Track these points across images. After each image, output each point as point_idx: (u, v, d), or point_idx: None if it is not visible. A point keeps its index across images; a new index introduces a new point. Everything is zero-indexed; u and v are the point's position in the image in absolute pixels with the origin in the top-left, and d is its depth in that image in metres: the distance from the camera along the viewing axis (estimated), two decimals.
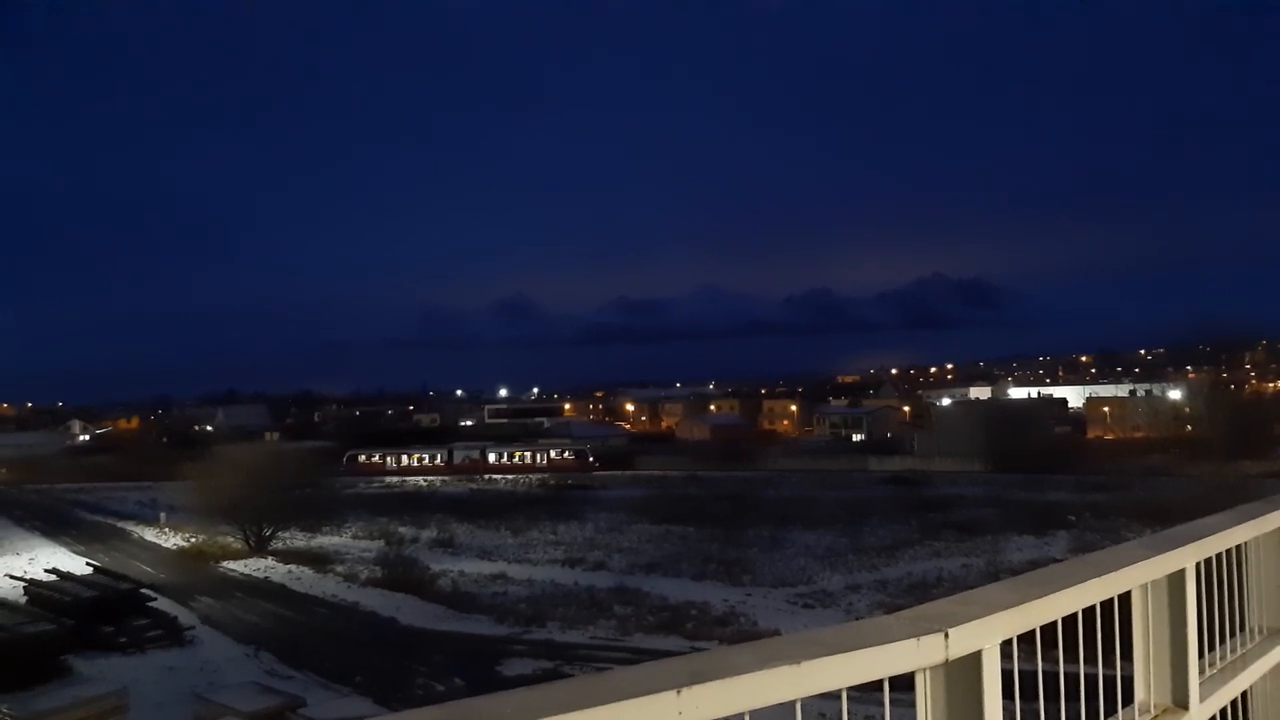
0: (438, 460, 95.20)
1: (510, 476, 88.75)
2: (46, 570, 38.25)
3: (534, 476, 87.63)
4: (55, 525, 58.33)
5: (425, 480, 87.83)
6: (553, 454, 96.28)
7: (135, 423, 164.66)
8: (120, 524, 59.23)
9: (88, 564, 40.33)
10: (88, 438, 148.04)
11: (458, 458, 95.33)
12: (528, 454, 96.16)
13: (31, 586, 34.46)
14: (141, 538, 53.78)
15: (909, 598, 32.23)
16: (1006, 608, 2.09)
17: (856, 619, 29.31)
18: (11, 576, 38.05)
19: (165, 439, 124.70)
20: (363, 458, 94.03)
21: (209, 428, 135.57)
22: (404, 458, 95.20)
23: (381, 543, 48.18)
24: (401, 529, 52.86)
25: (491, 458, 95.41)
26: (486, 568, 41.88)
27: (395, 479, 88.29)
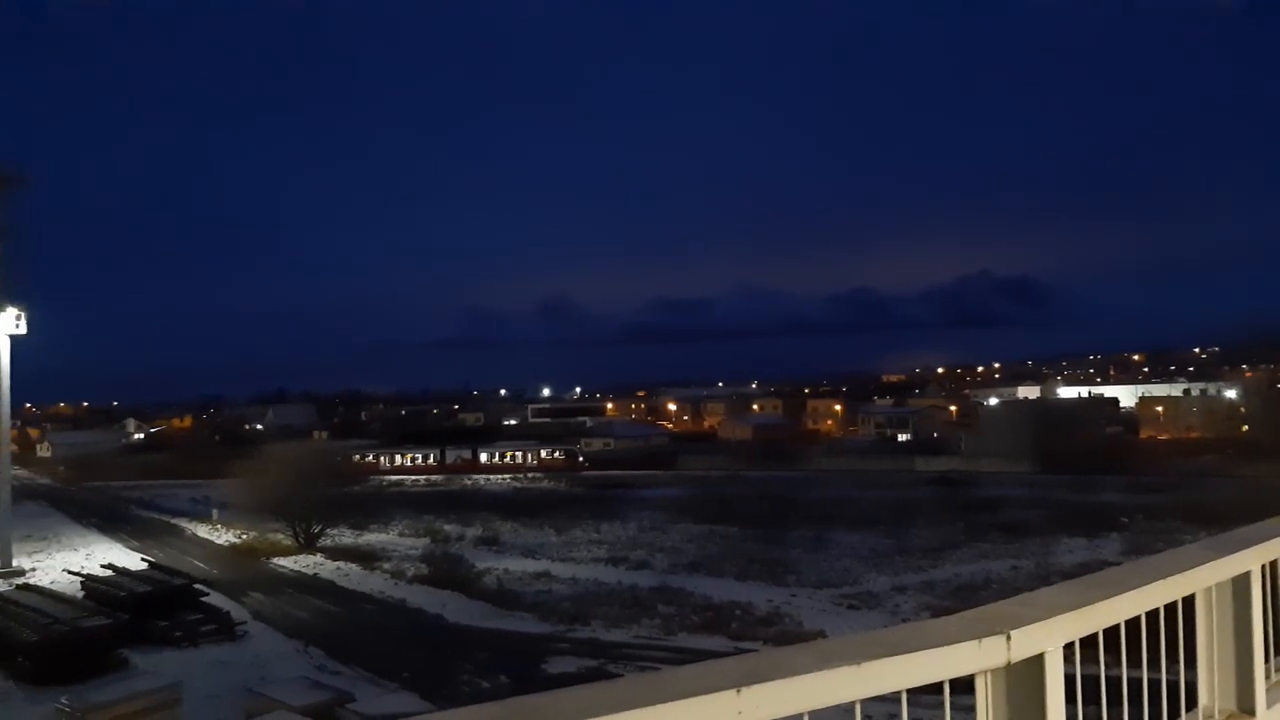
0: (430, 460, 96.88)
1: (500, 476, 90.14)
2: (103, 566, 39.14)
3: (533, 474, 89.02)
4: (111, 522, 59.75)
5: (415, 479, 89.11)
6: (542, 454, 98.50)
7: (188, 422, 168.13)
8: (174, 521, 60.52)
9: (143, 560, 41.26)
10: (142, 436, 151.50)
11: (449, 458, 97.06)
12: (518, 454, 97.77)
13: (89, 581, 35.26)
14: (194, 534, 54.89)
15: (956, 600, 31.85)
16: (1069, 610, 2.05)
17: (903, 621, 29.04)
18: (69, 572, 39.06)
19: (217, 438, 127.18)
20: (356, 457, 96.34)
21: (259, 427, 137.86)
22: (396, 457, 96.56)
23: (427, 540, 48.70)
24: (447, 527, 53.38)
25: (483, 457, 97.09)
26: (530, 566, 42.11)
27: (392, 478, 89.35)
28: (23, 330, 45.39)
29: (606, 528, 52.76)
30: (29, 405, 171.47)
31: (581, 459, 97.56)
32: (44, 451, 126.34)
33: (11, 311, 44.92)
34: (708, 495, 63.35)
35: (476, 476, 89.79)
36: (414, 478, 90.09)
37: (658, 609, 33.13)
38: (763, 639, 28.42)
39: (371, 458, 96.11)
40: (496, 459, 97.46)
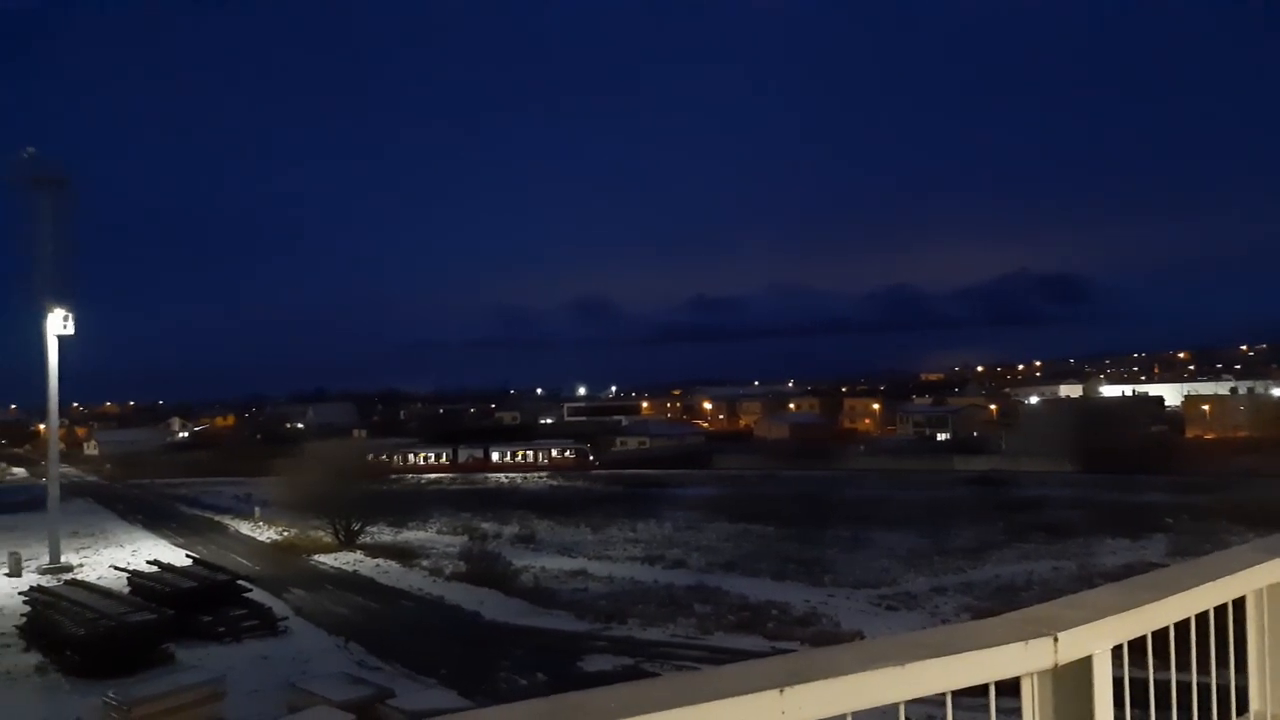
0: (443, 459, 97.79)
1: (513, 475, 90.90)
2: (149, 561, 39.83)
3: (542, 475, 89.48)
4: (156, 518, 60.84)
5: (442, 477, 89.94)
6: (554, 453, 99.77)
7: (231, 420, 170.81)
8: (217, 518, 61.47)
9: (187, 556, 41.94)
10: (186, 435, 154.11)
11: (462, 456, 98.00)
12: (529, 453, 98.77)
13: (135, 577, 35.86)
14: (237, 531, 55.72)
15: (997, 601, 31.48)
16: (1117, 611, 2.02)
17: (942, 622, 28.77)
18: (116, 568, 39.80)
19: (259, 436, 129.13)
20: (370, 456, 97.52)
21: (299, 425, 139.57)
22: (410, 456, 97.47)
23: (465, 538, 49.04)
24: (484, 524, 53.72)
25: (495, 456, 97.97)
26: (567, 564, 42.25)
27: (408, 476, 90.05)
28: (70, 331, 46.26)
29: (642, 526, 52.79)
30: (77, 404, 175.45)
31: (591, 458, 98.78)
32: (91, 450, 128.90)
33: (59, 313, 45.81)
34: (743, 494, 63.17)
35: (491, 475, 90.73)
36: (430, 475, 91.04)
37: (694, 608, 33.07)
38: (800, 639, 28.27)
39: (384, 456, 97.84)
40: (508, 458, 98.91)
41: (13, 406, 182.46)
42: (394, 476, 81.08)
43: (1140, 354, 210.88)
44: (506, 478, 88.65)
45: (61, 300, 46.05)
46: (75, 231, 47.55)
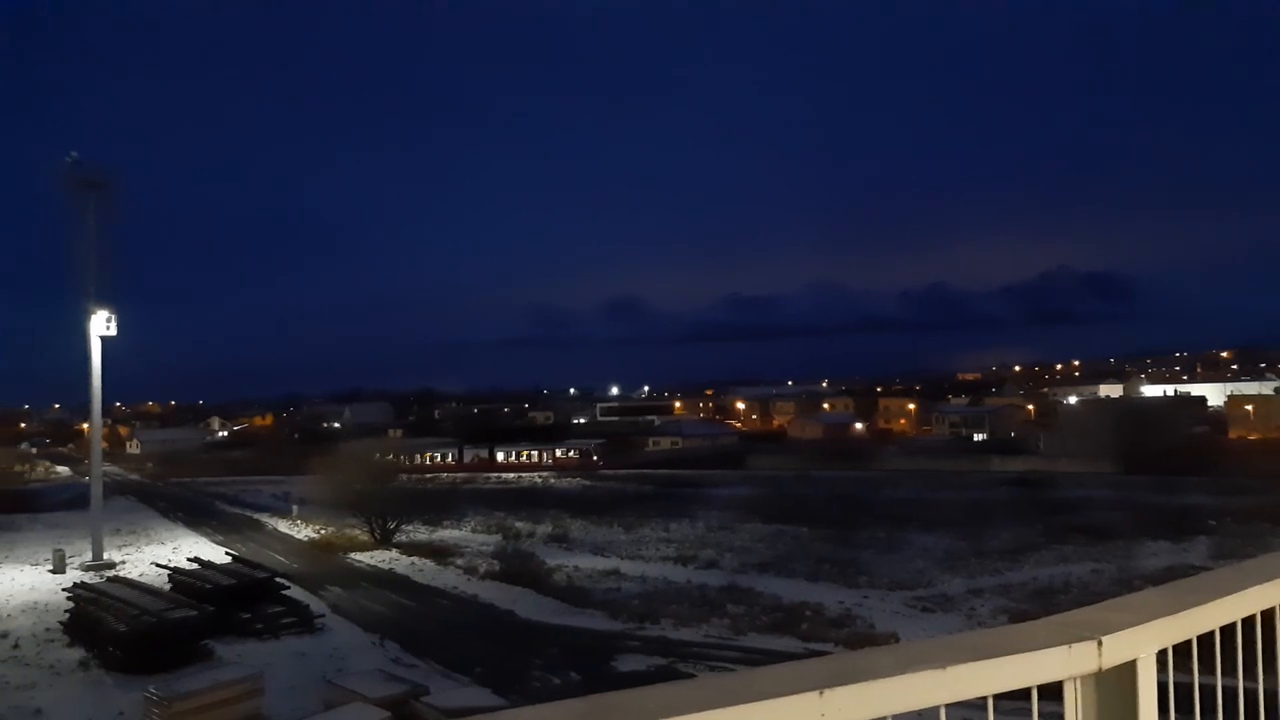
0: (449, 459, 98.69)
1: (517, 474, 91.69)
2: (189, 559, 40.39)
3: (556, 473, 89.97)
4: (196, 516, 61.75)
5: (462, 476, 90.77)
6: (558, 453, 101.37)
7: (269, 419, 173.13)
8: (255, 516, 62.27)
9: (226, 553, 42.51)
10: (226, 434, 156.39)
11: (467, 456, 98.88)
12: (534, 452, 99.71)
13: (175, 574, 36.33)
14: (275, 529, 56.40)
15: (1035, 604, 31.09)
16: (1162, 615, 1.98)
17: (979, 625, 28.47)
18: (157, 564, 40.43)
19: (296, 435, 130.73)
20: (377, 455, 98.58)
21: (336, 424, 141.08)
22: (417, 456, 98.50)
23: (499, 537, 49.28)
24: (518, 524, 53.95)
25: (500, 456, 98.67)
26: (600, 563, 42.31)
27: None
28: (113, 332, 47.00)
29: (675, 526, 52.74)
30: (119, 404, 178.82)
31: (596, 458, 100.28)
32: (133, 449, 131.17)
33: (102, 314, 46.58)
34: (777, 495, 62.89)
35: (494, 474, 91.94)
36: (444, 475, 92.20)
37: (727, 608, 32.97)
38: (834, 640, 28.11)
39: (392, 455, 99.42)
40: (512, 458, 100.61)
41: (56, 406, 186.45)
42: (428, 475, 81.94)
43: (1182, 353, 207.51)
44: (540, 477, 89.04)
45: (104, 301, 46.80)
46: (118, 233, 48.24)
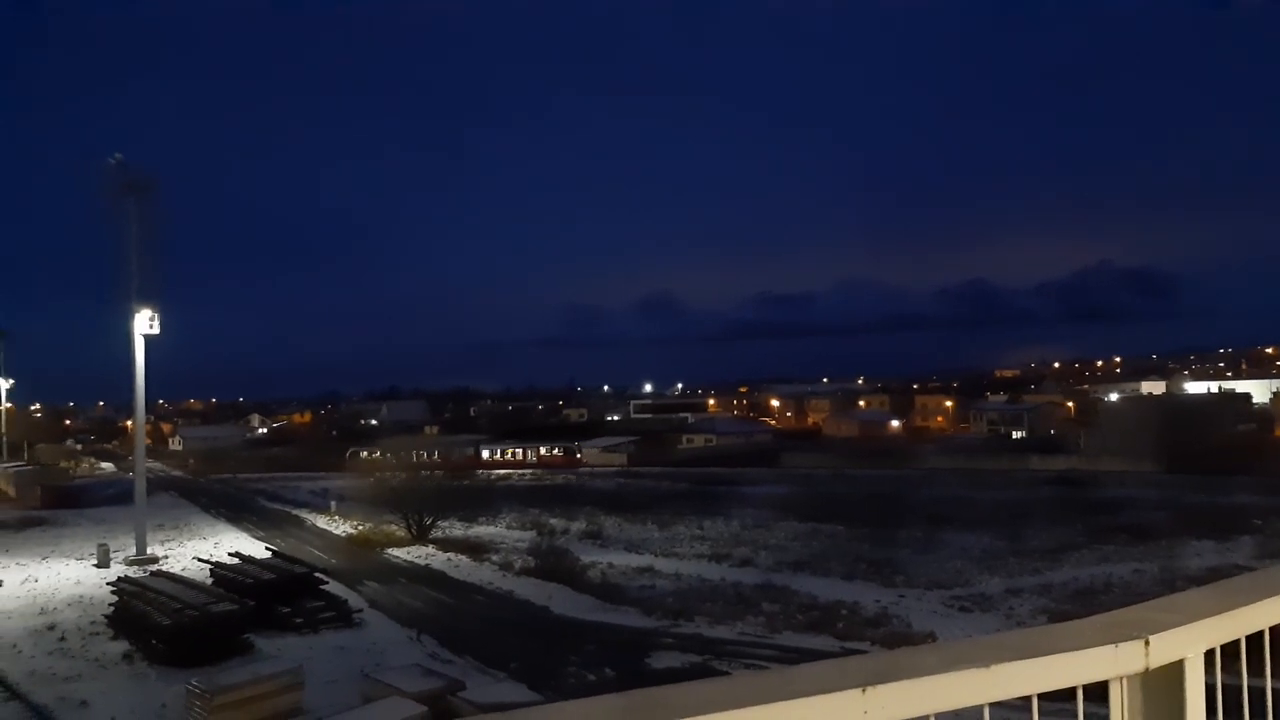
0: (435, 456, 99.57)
1: (501, 471, 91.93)
2: (230, 554, 40.98)
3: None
4: (238, 512, 62.62)
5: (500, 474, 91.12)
6: (542, 450, 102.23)
7: (307, 417, 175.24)
8: (295, 511, 63.06)
9: (266, 548, 43.05)
10: (265, 431, 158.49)
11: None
12: (519, 450, 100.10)
13: (217, 569, 36.88)
14: (314, 525, 57.07)
15: (1075, 604, 30.68)
16: (1211, 615, 1.94)
17: (1018, 625, 28.14)
18: (199, 559, 41.08)
19: (334, 432, 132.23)
20: (364, 454, 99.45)
21: (373, 422, 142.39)
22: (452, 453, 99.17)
23: (533, 533, 49.51)
24: (552, 520, 54.16)
25: (485, 454, 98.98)
26: (634, 560, 42.36)
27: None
28: (156, 330, 47.73)
29: (709, 524, 52.65)
30: (162, 401, 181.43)
31: (579, 455, 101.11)
32: (175, 445, 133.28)
33: (146, 313, 47.33)
34: (812, 493, 62.58)
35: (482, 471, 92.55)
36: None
37: (762, 607, 32.88)
38: (870, 640, 27.93)
39: (378, 454, 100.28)
40: (499, 455, 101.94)
41: (101, 404, 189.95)
42: (465, 472, 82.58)
43: (1226, 349, 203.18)
44: (575, 474, 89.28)
45: (148, 301, 47.51)
46: (161, 233, 48.98)
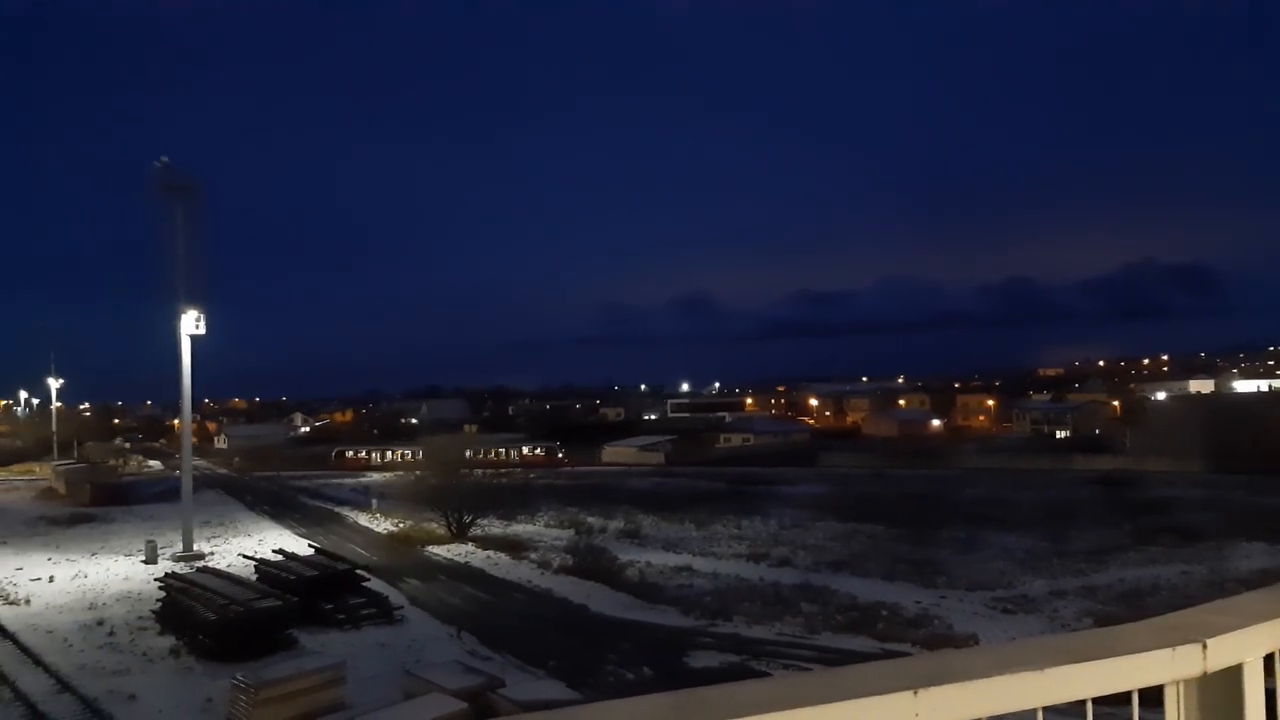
0: (418, 455, 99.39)
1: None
2: (274, 550, 41.57)
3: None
4: (281, 509, 63.53)
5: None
6: (524, 450, 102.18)
7: (349, 416, 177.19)
8: (336, 509, 63.82)
9: (309, 545, 43.64)
10: (308, 429, 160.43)
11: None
12: (501, 449, 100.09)
13: (261, 565, 37.39)
14: (355, 522, 57.72)
15: (1121, 606, 30.18)
16: (1270, 618, 1.90)
17: (1063, 627, 27.73)
18: (244, 556, 41.70)
19: (375, 431, 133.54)
20: (350, 453, 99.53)
21: (414, 420, 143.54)
22: (388, 453, 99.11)
23: (571, 532, 49.68)
24: (590, 519, 54.31)
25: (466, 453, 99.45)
26: (672, 560, 42.33)
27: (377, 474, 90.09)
28: (202, 331, 48.51)
29: (747, 524, 52.49)
30: (207, 400, 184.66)
31: (561, 455, 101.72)
32: (220, 443, 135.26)
33: (192, 314, 48.12)
34: (851, 493, 62.17)
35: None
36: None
37: (800, 607, 32.69)
38: (911, 641, 27.65)
39: (363, 454, 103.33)
40: (480, 454, 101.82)
41: (148, 403, 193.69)
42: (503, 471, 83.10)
43: (1277, 347, 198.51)
44: (618, 468, 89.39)
45: (194, 301, 48.30)
46: (205, 234, 49.78)
